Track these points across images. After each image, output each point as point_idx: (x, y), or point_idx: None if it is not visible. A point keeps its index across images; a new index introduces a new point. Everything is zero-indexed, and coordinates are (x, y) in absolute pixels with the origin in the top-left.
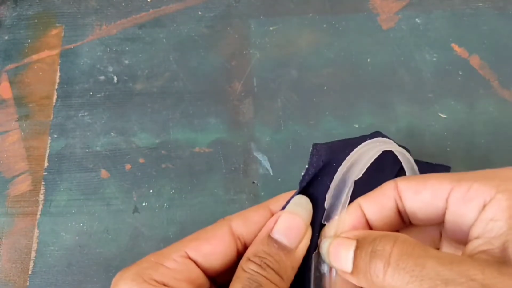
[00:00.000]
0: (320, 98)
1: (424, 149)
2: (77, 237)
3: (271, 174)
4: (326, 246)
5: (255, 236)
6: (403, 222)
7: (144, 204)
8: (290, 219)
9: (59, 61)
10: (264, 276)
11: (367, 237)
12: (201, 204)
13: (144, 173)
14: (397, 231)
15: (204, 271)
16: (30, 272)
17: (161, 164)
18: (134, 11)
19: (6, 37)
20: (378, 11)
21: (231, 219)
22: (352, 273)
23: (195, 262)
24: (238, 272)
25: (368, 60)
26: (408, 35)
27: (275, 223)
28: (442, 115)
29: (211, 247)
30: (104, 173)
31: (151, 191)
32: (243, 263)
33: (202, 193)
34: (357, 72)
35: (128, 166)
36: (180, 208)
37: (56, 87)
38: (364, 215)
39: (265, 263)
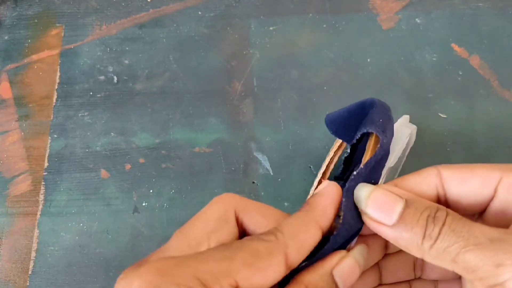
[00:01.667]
0: (320, 98)
1: (424, 149)
2: (77, 237)
3: (271, 174)
4: (367, 191)
5: (302, 259)
6: None
7: (144, 204)
8: (352, 267)
9: (59, 61)
10: None
11: (417, 201)
12: (201, 204)
13: (144, 173)
14: None
15: None
16: (30, 272)
17: (161, 164)
18: (134, 11)
19: (6, 37)
20: (378, 11)
21: (287, 245)
22: (392, 226)
23: None
24: None
25: (368, 60)
26: (408, 35)
27: (338, 263)
28: (442, 115)
29: (264, 279)
30: (104, 173)
31: (151, 191)
32: None
33: (202, 193)
34: (357, 72)
35: (128, 166)
36: (180, 208)
37: (56, 87)
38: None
39: None
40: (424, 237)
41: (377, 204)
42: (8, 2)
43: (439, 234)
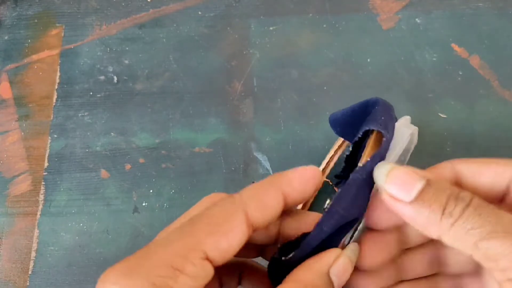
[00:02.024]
0: (320, 98)
1: (424, 149)
2: (77, 237)
3: (271, 174)
4: (387, 168)
5: (267, 222)
6: None
7: (144, 204)
8: (346, 266)
9: (59, 61)
10: None
11: (440, 181)
12: None
13: (144, 173)
14: None
15: (214, 268)
16: (30, 272)
17: (161, 164)
18: (134, 11)
19: (6, 37)
20: (378, 11)
21: (246, 204)
22: (410, 202)
23: (211, 263)
24: None
25: (368, 60)
26: (408, 35)
27: (334, 261)
28: (442, 115)
29: (229, 243)
30: (104, 173)
31: (151, 191)
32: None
33: (202, 193)
34: (357, 72)
35: (128, 166)
36: (180, 208)
37: (56, 87)
38: None
39: None
40: (443, 213)
41: (397, 181)
42: (8, 2)
43: (461, 213)
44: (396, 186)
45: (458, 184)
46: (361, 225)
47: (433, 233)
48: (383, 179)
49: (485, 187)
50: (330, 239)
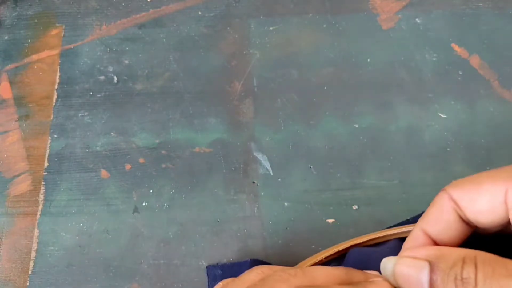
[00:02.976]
0: (320, 98)
1: (424, 149)
2: (77, 237)
3: (271, 174)
4: (390, 267)
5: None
6: (470, 227)
7: (144, 204)
8: None
9: (59, 61)
10: None
11: (441, 259)
12: (201, 204)
13: (144, 173)
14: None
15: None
16: (30, 272)
17: (161, 164)
18: (134, 11)
19: (6, 37)
20: (378, 11)
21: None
22: None
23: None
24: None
25: (368, 60)
26: (408, 35)
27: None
28: (442, 115)
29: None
30: (104, 173)
31: (151, 191)
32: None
33: (202, 193)
34: (357, 72)
35: (128, 166)
36: (180, 208)
37: (56, 87)
38: (429, 237)
39: None
40: None
41: (404, 280)
42: (8, 2)
43: None
44: (406, 284)
45: (460, 211)
46: None
47: None
48: (393, 279)
49: (485, 211)
50: None
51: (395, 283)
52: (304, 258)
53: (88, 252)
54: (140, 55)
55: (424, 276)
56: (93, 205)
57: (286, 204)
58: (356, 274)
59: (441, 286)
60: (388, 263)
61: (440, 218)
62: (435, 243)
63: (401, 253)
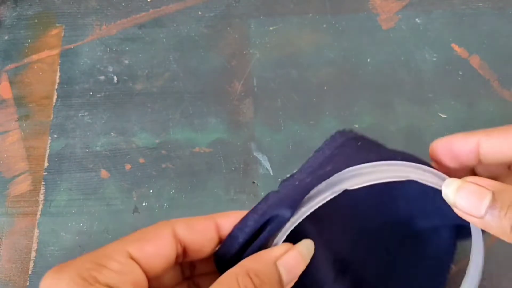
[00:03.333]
0: (320, 98)
1: (424, 149)
2: (77, 237)
3: (271, 174)
4: (454, 187)
5: (199, 243)
6: None
7: (144, 204)
8: (297, 259)
9: (59, 61)
10: None
11: (505, 193)
12: (201, 204)
13: (144, 173)
14: None
15: (145, 272)
16: (30, 272)
17: (161, 164)
18: (134, 11)
19: (6, 37)
20: (378, 11)
21: (174, 222)
22: (481, 217)
23: (138, 263)
24: (230, 279)
25: (368, 60)
26: (408, 35)
27: (284, 254)
28: (442, 115)
29: (154, 248)
30: (104, 173)
31: (151, 191)
32: (240, 275)
33: (202, 193)
34: (357, 72)
35: (128, 166)
36: (180, 208)
37: (56, 87)
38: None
39: (251, 280)
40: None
41: (465, 198)
42: (8, 2)
43: None
44: (466, 202)
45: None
46: (290, 226)
47: (507, 240)
48: (452, 197)
49: (506, 159)
50: (257, 237)
51: (453, 202)
52: None
53: (88, 252)
54: (140, 55)
55: (485, 203)
56: (93, 205)
57: None
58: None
59: (498, 213)
60: (452, 184)
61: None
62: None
63: (464, 178)
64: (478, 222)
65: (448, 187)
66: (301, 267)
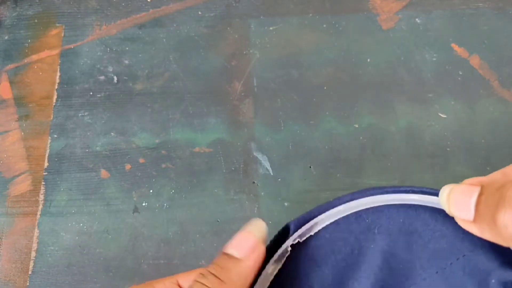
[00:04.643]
0: (320, 98)
1: (424, 149)
2: (77, 237)
3: (271, 174)
4: (446, 192)
5: None
6: None
7: (144, 204)
8: (243, 235)
9: (59, 61)
10: (203, 283)
11: (493, 183)
12: (201, 204)
13: (144, 173)
14: None
15: None
16: (30, 272)
17: (161, 164)
18: (134, 11)
19: (6, 37)
20: (378, 11)
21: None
22: (474, 221)
23: None
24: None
25: (368, 60)
26: (408, 35)
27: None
28: (442, 115)
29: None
30: (104, 173)
31: (151, 191)
32: (198, 279)
33: (202, 193)
34: (357, 72)
35: (128, 166)
36: (180, 208)
37: (56, 87)
38: None
39: (208, 271)
40: (497, 226)
41: (455, 203)
42: (8, 2)
43: None
44: (455, 208)
45: None
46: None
47: (503, 244)
48: (446, 204)
49: None
50: None
51: (448, 208)
52: None
53: (88, 252)
54: (140, 55)
55: (472, 200)
56: (93, 205)
57: (286, 204)
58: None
59: (485, 206)
60: (445, 190)
61: None
62: None
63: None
64: (473, 228)
65: (442, 192)
66: (249, 238)
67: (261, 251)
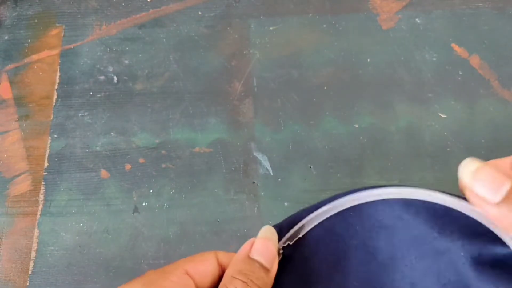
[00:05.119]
0: (320, 98)
1: (424, 149)
2: (77, 237)
3: (271, 174)
4: (470, 169)
5: (201, 279)
6: None
7: (144, 204)
8: (265, 242)
9: (59, 61)
10: None
11: None
12: (201, 204)
13: (144, 173)
14: None
15: (196, 287)
16: (30, 272)
17: (161, 164)
18: (134, 11)
19: (6, 37)
20: (378, 11)
21: (216, 251)
22: (496, 204)
23: (192, 279)
24: None
25: (368, 60)
26: (408, 35)
27: (251, 247)
28: (442, 115)
29: (204, 267)
30: (104, 173)
31: (151, 191)
32: (227, 281)
33: (202, 193)
34: (357, 72)
35: (128, 166)
36: (180, 208)
37: (56, 87)
38: None
39: (250, 280)
40: None
41: (484, 180)
42: (8, 2)
43: None
44: (483, 185)
45: None
46: None
47: None
48: (469, 177)
49: None
50: None
51: (469, 185)
52: None
53: (88, 252)
54: (140, 55)
55: (506, 186)
56: (93, 205)
57: (286, 204)
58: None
59: None
60: (472, 162)
61: None
62: None
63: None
64: (492, 210)
65: (466, 166)
66: (271, 247)
67: (277, 260)
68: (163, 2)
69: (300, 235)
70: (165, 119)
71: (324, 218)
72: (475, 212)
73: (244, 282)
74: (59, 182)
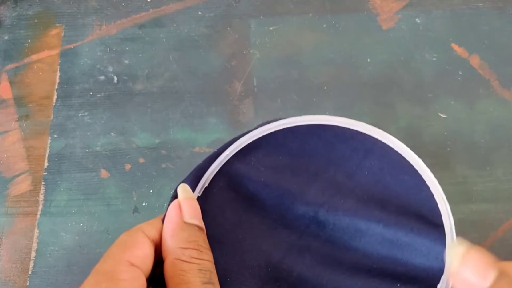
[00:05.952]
0: (320, 98)
1: (424, 149)
2: (77, 237)
3: None
4: (460, 251)
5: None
6: None
7: (144, 204)
8: (191, 203)
9: (59, 61)
10: (207, 260)
11: (509, 275)
12: None
13: (144, 173)
14: None
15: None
16: (30, 272)
17: (161, 164)
18: (134, 11)
19: (6, 37)
20: (378, 11)
21: (140, 227)
22: None
23: (138, 268)
24: (178, 265)
25: (368, 60)
26: (408, 35)
27: (180, 211)
28: (442, 115)
29: (143, 252)
30: (104, 173)
31: (151, 191)
32: (178, 254)
33: None
34: (357, 72)
35: (128, 166)
36: None
37: (56, 87)
38: None
39: (199, 244)
40: None
41: (473, 265)
42: (8, 2)
43: None
44: (472, 270)
45: None
46: None
47: None
48: (458, 262)
49: None
50: None
51: (458, 265)
52: None
53: (88, 252)
54: (140, 55)
55: (492, 274)
56: (93, 205)
57: None
58: None
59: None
60: (461, 245)
61: None
62: None
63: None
64: None
65: (454, 248)
66: (196, 205)
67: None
68: (163, 2)
69: (206, 184)
70: (165, 119)
71: (224, 163)
72: None
73: (196, 249)
74: (59, 182)
